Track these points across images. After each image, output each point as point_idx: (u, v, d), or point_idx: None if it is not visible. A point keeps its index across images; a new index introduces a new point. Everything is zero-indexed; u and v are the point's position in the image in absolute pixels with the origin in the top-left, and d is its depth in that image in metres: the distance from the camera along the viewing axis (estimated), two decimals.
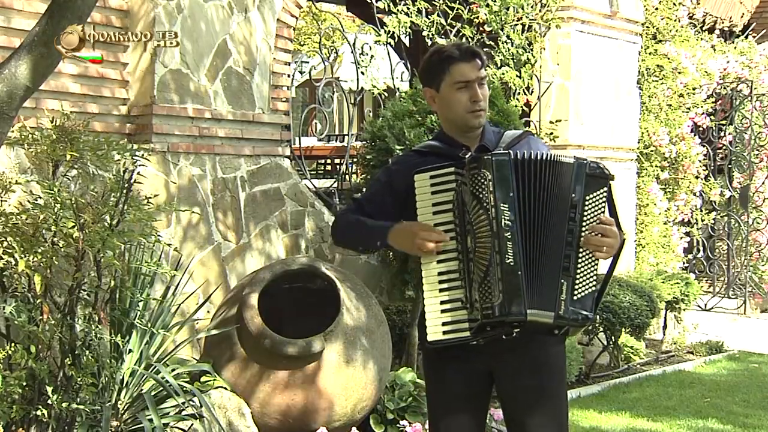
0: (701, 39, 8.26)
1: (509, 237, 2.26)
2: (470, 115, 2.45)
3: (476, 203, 2.29)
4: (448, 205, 2.36)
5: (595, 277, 2.35)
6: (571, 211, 2.31)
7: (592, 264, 2.33)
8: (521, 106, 6.30)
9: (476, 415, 2.54)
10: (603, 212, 2.36)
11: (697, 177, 8.05)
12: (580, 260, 2.31)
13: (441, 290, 2.34)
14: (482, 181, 2.29)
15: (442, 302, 2.34)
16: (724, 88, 8.53)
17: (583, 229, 2.32)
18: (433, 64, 2.50)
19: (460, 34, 6.10)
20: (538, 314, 2.28)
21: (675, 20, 7.82)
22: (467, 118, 2.46)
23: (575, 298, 2.30)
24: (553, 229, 2.31)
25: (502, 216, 2.26)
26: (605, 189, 2.37)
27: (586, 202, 2.33)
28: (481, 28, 6.17)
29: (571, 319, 2.31)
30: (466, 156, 2.41)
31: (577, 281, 2.31)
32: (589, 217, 2.32)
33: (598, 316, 2.43)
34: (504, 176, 2.28)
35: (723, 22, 9.19)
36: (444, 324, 2.33)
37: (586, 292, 2.32)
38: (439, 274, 2.34)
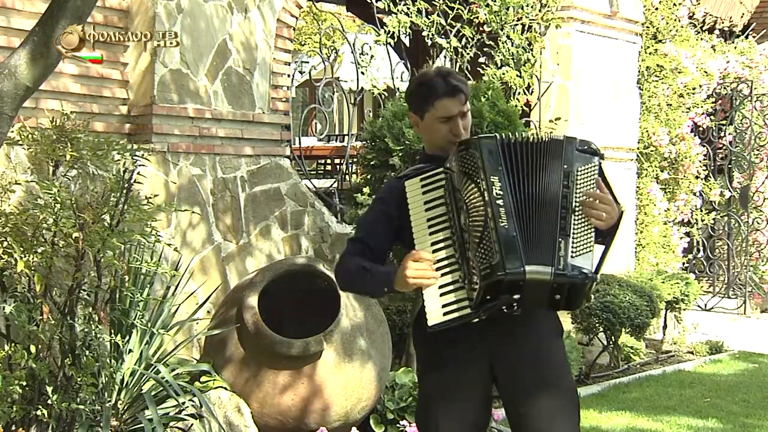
0: (701, 39, 8.26)
1: (501, 204, 2.29)
2: (449, 144, 2.51)
3: (467, 179, 2.35)
4: (440, 200, 2.40)
5: (591, 240, 2.36)
6: (564, 180, 2.35)
7: (588, 229, 2.35)
8: (521, 106, 6.29)
9: (476, 412, 2.51)
10: (595, 181, 2.39)
11: (697, 177, 8.04)
12: (575, 224, 2.33)
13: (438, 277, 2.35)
14: (471, 159, 2.36)
15: (440, 287, 2.33)
16: (724, 88, 8.53)
17: (577, 195, 2.35)
18: (420, 95, 2.56)
19: (460, 34, 6.10)
20: (537, 270, 2.27)
21: (675, 20, 7.81)
22: (446, 145, 2.52)
23: (574, 255, 2.31)
24: (545, 195, 2.35)
25: (492, 186, 2.31)
26: (596, 161, 2.42)
27: (579, 172, 2.37)
28: (481, 28, 6.18)
29: (571, 275, 2.29)
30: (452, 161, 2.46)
31: (575, 241, 2.32)
32: (582, 184, 2.36)
33: (598, 279, 2.41)
34: (492, 152, 2.35)
35: (723, 22, 9.19)
36: (444, 306, 2.32)
37: (585, 251, 2.33)
38: (437, 262, 2.34)
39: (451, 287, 2.33)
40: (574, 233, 2.32)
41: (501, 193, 2.31)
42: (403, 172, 2.70)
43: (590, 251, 2.35)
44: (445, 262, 2.35)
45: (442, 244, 2.37)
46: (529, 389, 2.44)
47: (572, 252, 2.31)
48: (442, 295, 2.33)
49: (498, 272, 2.24)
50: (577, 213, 2.34)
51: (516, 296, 2.29)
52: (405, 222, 2.43)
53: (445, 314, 2.31)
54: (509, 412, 2.51)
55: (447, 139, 2.51)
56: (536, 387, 2.44)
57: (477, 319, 2.31)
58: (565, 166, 2.36)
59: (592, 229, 2.36)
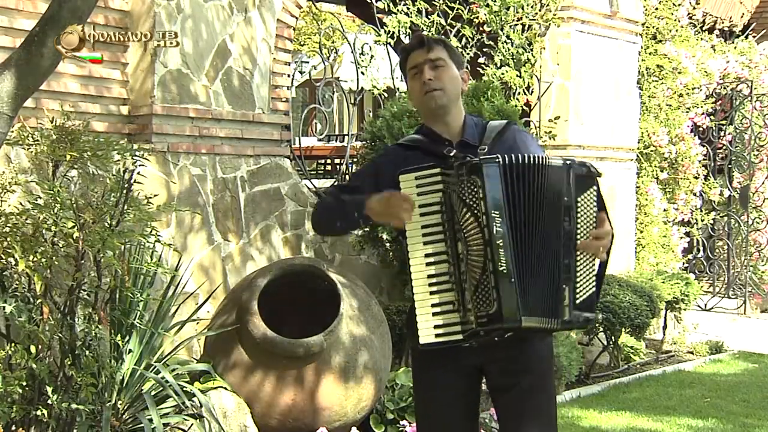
0: (701, 39, 8.26)
1: (501, 244, 2.25)
2: (425, 97, 2.49)
3: (466, 210, 2.28)
4: (435, 207, 2.34)
5: (594, 274, 2.36)
6: (565, 216, 2.31)
7: (591, 265, 2.34)
8: (521, 106, 6.29)
9: (467, 410, 2.54)
10: (595, 212, 2.35)
11: (696, 177, 8.04)
12: (578, 264, 2.32)
13: (432, 293, 2.33)
14: (471, 187, 2.28)
15: (433, 305, 2.32)
16: (724, 88, 8.53)
17: (578, 232, 2.31)
18: (400, 63, 2.61)
19: (460, 34, 6.10)
20: (535, 321, 2.29)
21: (675, 20, 7.81)
22: (424, 101, 2.50)
23: (578, 302, 2.31)
24: (547, 234, 2.31)
25: (493, 223, 2.25)
26: (595, 188, 2.37)
27: (579, 204, 2.33)
28: (481, 28, 6.18)
29: (576, 323, 2.33)
30: (451, 153, 2.42)
31: (578, 285, 2.31)
32: (583, 219, 2.33)
33: (599, 315, 2.44)
34: (494, 183, 2.27)
35: (723, 22, 9.19)
36: (436, 327, 2.32)
37: (587, 294, 2.33)
38: (429, 276, 2.33)
39: (443, 308, 2.32)
40: (577, 277, 2.31)
41: (501, 230, 2.25)
42: (403, 139, 2.68)
43: (593, 288, 2.35)
44: (438, 279, 2.33)
45: (435, 258, 2.34)
46: (519, 392, 2.47)
47: (576, 298, 2.31)
48: (435, 314, 2.32)
49: (495, 324, 2.26)
50: (579, 253, 2.32)
51: (509, 334, 2.33)
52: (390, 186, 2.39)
53: (437, 335, 2.32)
54: (498, 409, 2.55)
55: (421, 91, 2.49)
56: (526, 390, 2.47)
57: (468, 345, 2.33)
58: (566, 199, 2.31)
59: (594, 264, 2.35)
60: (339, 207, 2.52)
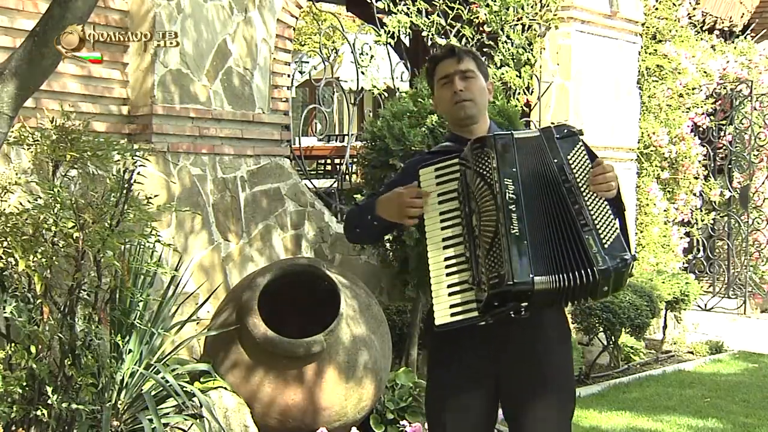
0: (701, 39, 8.26)
1: (513, 209, 2.27)
2: (455, 107, 2.54)
3: (480, 180, 2.33)
4: (453, 194, 2.38)
5: (614, 223, 2.32)
6: (562, 176, 2.33)
7: (606, 211, 2.32)
8: (521, 106, 6.30)
9: (482, 415, 2.51)
10: (588, 162, 2.38)
11: (696, 177, 8.04)
12: (592, 212, 2.30)
13: (448, 274, 2.33)
14: (485, 158, 2.34)
15: (449, 285, 2.32)
16: (724, 88, 8.53)
17: (580, 183, 2.33)
18: (427, 70, 2.67)
19: (460, 34, 6.10)
20: (547, 282, 2.24)
21: (675, 20, 7.81)
22: (453, 111, 2.56)
23: (606, 246, 2.26)
24: (553, 195, 2.33)
25: (505, 189, 2.29)
26: (581, 143, 2.41)
27: (570, 161, 2.36)
28: (481, 28, 6.18)
29: (614, 267, 2.25)
30: None
31: (600, 231, 2.29)
32: (579, 170, 2.35)
33: (635, 255, 2.42)
34: (506, 152, 2.34)
35: (723, 22, 9.19)
36: (452, 306, 2.30)
37: (614, 236, 2.29)
38: (446, 259, 2.34)
39: (459, 287, 2.31)
40: (595, 222, 2.29)
41: (514, 197, 2.28)
42: (434, 147, 2.74)
43: (617, 231, 2.31)
44: (455, 260, 2.34)
45: (452, 241, 2.36)
46: (527, 400, 2.44)
47: (603, 242, 2.26)
48: (450, 294, 2.31)
49: (506, 282, 2.22)
50: (587, 198, 2.31)
51: (524, 304, 2.27)
52: None
53: (452, 315, 2.30)
54: (507, 417, 2.52)
55: (451, 101, 2.54)
56: (534, 398, 2.44)
57: (484, 323, 2.30)
58: (556, 161, 2.35)
59: (608, 206, 2.33)
60: (356, 214, 2.61)
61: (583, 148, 2.40)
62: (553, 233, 2.29)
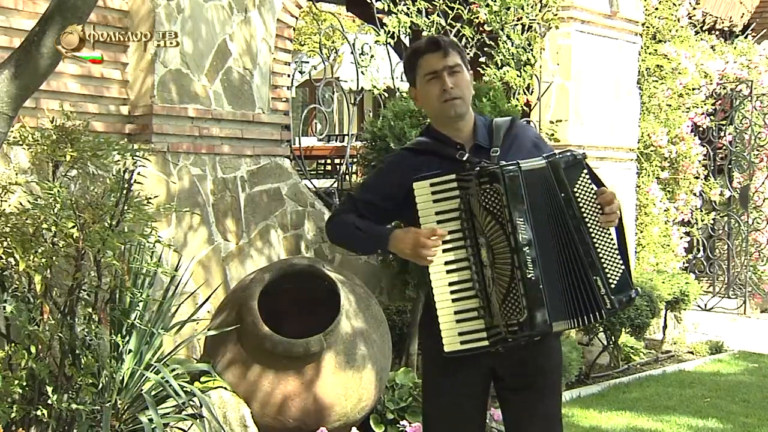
0: (701, 39, 8.26)
1: (527, 252, 2.26)
2: (444, 104, 2.45)
3: (490, 218, 2.29)
4: (454, 213, 2.34)
5: (618, 257, 2.34)
6: (569, 210, 2.32)
7: (610, 244, 2.34)
8: (521, 106, 6.29)
9: (478, 413, 2.54)
10: (595, 192, 2.36)
11: (697, 177, 8.04)
12: (598, 249, 2.31)
13: (454, 300, 2.33)
14: (494, 195, 2.28)
15: (456, 312, 2.32)
16: (724, 88, 8.53)
17: (585, 219, 2.32)
18: (408, 62, 2.54)
19: (460, 34, 6.10)
20: (564, 323, 2.32)
21: (675, 20, 7.81)
22: (442, 108, 2.46)
23: (613, 286, 2.31)
24: (561, 233, 2.32)
25: (518, 231, 2.26)
26: (585, 171, 2.37)
27: (576, 192, 2.33)
28: (481, 28, 6.17)
29: (621, 305, 2.34)
30: (464, 158, 2.40)
31: (607, 270, 2.31)
32: (585, 204, 2.34)
33: (638, 289, 2.44)
34: (515, 190, 2.28)
35: (723, 22, 9.19)
36: (460, 334, 2.32)
37: (619, 274, 2.33)
38: (451, 284, 2.33)
39: (468, 314, 2.32)
40: (602, 260, 2.31)
41: (526, 237, 2.27)
42: (411, 143, 2.65)
43: (621, 266, 2.34)
44: (462, 286, 2.33)
45: (456, 266, 2.33)
46: (528, 395, 2.48)
47: (610, 282, 2.31)
48: (459, 321, 2.32)
49: (525, 331, 2.27)
50: (593, 233, 2.32)
51: (537, 338, 2.35)
52: (408, 202, 2.37)
53: (462, 343, 2.32)
54: (505, 412, 2.55)
55: (439, 98, 2.44)
56: (534, 393, 2.48)
57: (494, 350, 2.34)
58: (563, 195, 2.32)
59: (613, 240, 2.35)
60: (359, 236, 2.50)
61: (587, 174, 2.37)
62: (563, 274, 2.31)
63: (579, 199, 2.33)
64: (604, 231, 2.34)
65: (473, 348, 2.32)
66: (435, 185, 2.34)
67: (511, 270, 2.26)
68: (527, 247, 2.26)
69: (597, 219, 2.33)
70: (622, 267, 2.34)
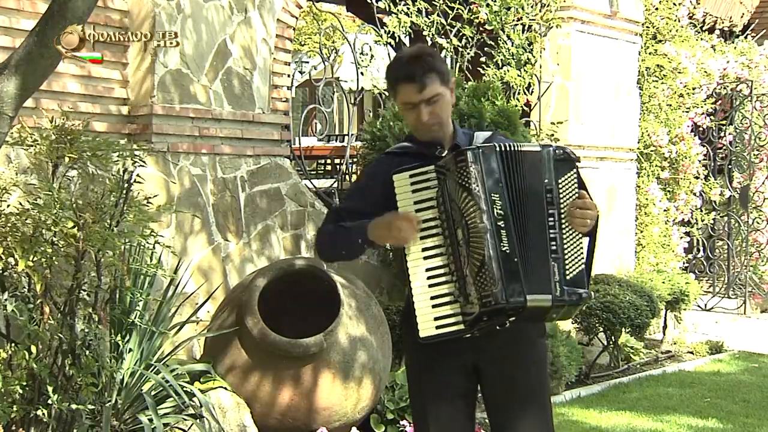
0: (701, 39, 8.26)
1: (503, 225, 2.29)
2: (422, 131, 2.48)
3: (466, 194, 2.31)
4: (431, 202, 2.37)
5: (582, 256, 2.37)
6: (548, 196, 2.35)
7: (578, 243, 2.36)
8: (521, 106, 6.29)
9: (465, 410, 2.54)
10: (576, 191, 2.38)
11: (697, 177, 8.04)
12: (565, 241, 2.34)
13: (430, 286, 2.34)
14: (470, 171, 2.31)
15: (432, 297, 2.33)
16: (724, 88, 8.53)
17: (562, 210, 2.35)
18: (387, 77, 2.52)
19: (460, 34, 6.10)
20: (536, 299, 2.30)
21: (675, 20, 7.81)
22: (420, 132, 2.49)
23: (568, 278, 2.32)
24: (534, 214, 2.35)
25: (494, 205, 2.29)
26: (574, 171, 2.40)
27: (560, 186, 2.36)
28: (481, 28, 6.17)
29: (569, 300, 2.32)
30: (443, 154, 2.43)
31: (567, 261, 2.33)
32: (565, 198, 2.36)
33: (592, 294, 2.45)
34: (491, 166, 2.32)
35: (723, 22, 9.19)
36: (436, 319, 2.32)
37: (577, 270, 2.34)
38: (427, 270, 2.35)
39: (444, 299, 2.33)
40: (565, 253, 2.33)
41: (502, 213, 2.29)
42: (391, 148, 2.69)
43: (582, 266, 2.36)
44: (437, 272, 2.35)
45: (433, 252, 2.36)
46: (514, 395, 2.48)
47: (566, 274, 2.32)
48: (434, 306, 2.33)
49: (500, 301, 2.26)
50: (564, 228, 2.34)
51: (512, 318, 2.33)
52: (392, 203, 2.39)
53: (437, 327, 2.32)
54: (490, 412, 2.55)
55: (414, 126, 2.47)
56: (520, 392, 2.48)
57: (469, 335, 2.33)
58: (546, 181, 2.35)
59: (581, 242, 2.37)
60: (342, 235, 2.50)
61: (576, 176, 2.40)
62: (532, 253, 2.32)
63: (561, 190, 2.36)
64: (574, 232, 2.36)
65: (448, 333, 2.32)
66: (414, 176, 2.38)
67: (485, 243, 2.28)
68: (502, 221, 2.29)
69: (569, 218, 2.36)
70: (582, 266, 2.35)
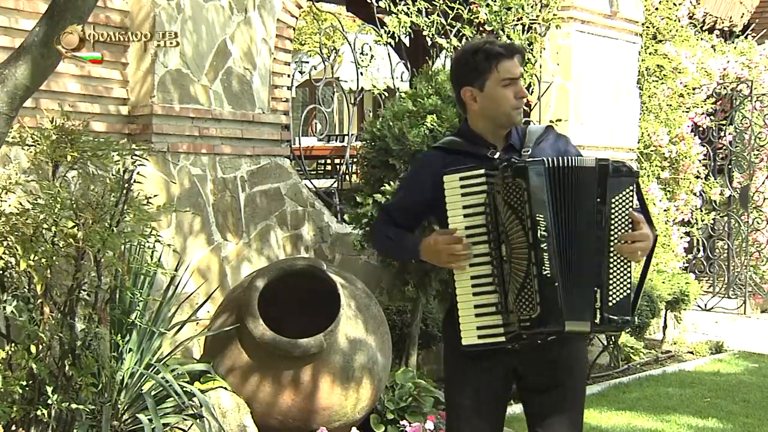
0: (701, 39, 8.26)
1: (545, 248, 2.25)
2: (515, 111, 2.47)
3: (511, 212, 2.29)
4: (480, 208, 2.35)
5: (629, 281, 2.33)
6: (597, 216, 2.30)
7: (625, 268, 2.32)
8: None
9: (500, 412, 2.55)
10: (629, 213, 2.32)
11: (697, 177, 8.04)
12: (612, 266, 2.31)
13: (474, 294, 2.35)
14: (517, 190, 2.27)
15: (476, 306, 2.34)
16: (724, 88, 8.53)
17: (612, 234, 2.30)
18: (478, 62, 2.47)
19: (461, 34, 6.10)
20: (575, 325, 2.30)
21: (675, 20, 7.81)
22: (512, 115, 2.48)
23: (611, 304, 2.30)
24: (581, 236, 2.30)
25: (538, 227, 2.25)
26: (631, 188, 2.33)
27: (612, 205, 2.31)
28: (481, 28, 6.17)
29: (608, 327, 2.33)
30: (495, 156, 2.43)
31: (611, 288, 2.30)
32: (616, 220, 2.31)
33: (635, 318, 2.46)
34: (538, 186, 2.27)
35: (723, 22, 9.19)
36: (479, 328, 2.34)
37: (622, 297, 2.31)
38: (472, 278, 2.35)
39: (487, 309, 2.34)
40: (609, 280, 2.30)
41: (545, 234, 2.26)
42: (441, 141, 2.67)
43: (628, 291, 2.32)
44: (482, 281, 2.35)
45: (478, 260, 2.35)
46: (551, 397, 2.48)
47: (609, 301, 2.29)
48: (478, 315, 2.34)
49: (538, 328, 2.28)
50: (612, 254, 2.30)
51: (552, 338, 2.36)
52: (439, 200, 2.39)
53: (479, 337, 2.35)
54: (528, 411, 2.56)
55: (513, 105, 2.46)
56: (556, 394, 2.48)
57: (510, 347, 2.36)
58: (598, 200, 2.29)
59: (629, 267, 2.33)
60: (395, 249, 2.65)
61: (632, 193, 2.32)
62: (577, 277, 2.30)
63: (613, 210, 2.31)
64: (624, 258, 2.33)
65: (490, 343, 2.34)
66: (464, 179, 2.36)
67: (527, 265, 2.26)
68: (545, 243, 2.25)
69: (619, 239, 2.31)
70: (628, 291, 2.31)
